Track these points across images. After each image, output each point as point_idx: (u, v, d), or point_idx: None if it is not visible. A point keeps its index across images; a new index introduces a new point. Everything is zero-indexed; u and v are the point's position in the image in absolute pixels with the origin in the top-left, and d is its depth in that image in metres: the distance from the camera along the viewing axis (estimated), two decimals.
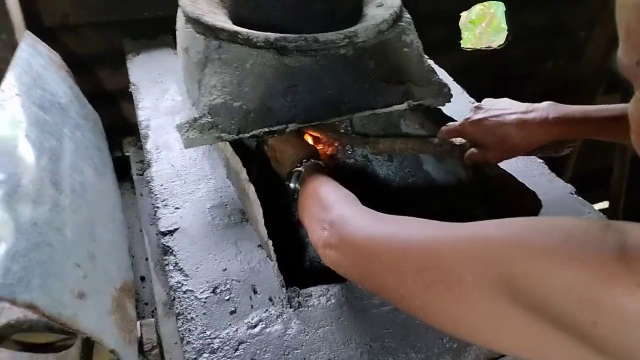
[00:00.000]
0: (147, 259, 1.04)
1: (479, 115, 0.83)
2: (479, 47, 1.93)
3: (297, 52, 0.91)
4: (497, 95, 2.04)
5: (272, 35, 0.90)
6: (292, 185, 0.82)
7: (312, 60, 0.92)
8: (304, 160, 0.84)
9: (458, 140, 0.90)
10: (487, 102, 0.86)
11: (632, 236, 0.36)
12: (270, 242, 0.73)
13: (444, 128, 0.91)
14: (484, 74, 1.95)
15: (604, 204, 2.32)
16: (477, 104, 0.87)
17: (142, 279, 1.03)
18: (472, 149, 0.85)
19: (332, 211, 0.65)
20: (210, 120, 0.88)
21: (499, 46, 1.92)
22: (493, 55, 1.93)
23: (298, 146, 0.90)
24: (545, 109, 0.77)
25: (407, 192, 1.10)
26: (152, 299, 0.98)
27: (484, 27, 2.74)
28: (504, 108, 0.81)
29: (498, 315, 0.41)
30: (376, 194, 1.10)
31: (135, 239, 1.10)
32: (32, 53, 1.08)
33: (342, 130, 1.17)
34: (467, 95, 1.19)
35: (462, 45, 1.87)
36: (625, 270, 0.34)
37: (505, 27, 1.93)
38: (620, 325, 0.34)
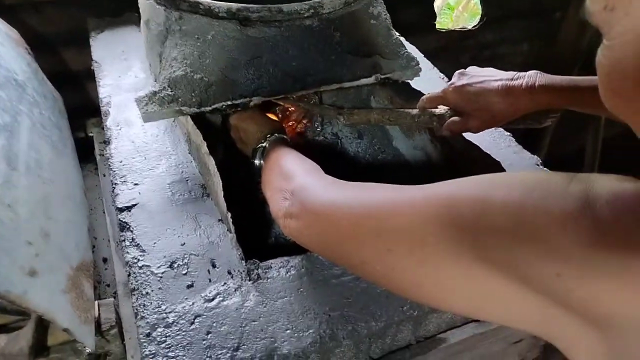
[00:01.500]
0: (109, 241, 1.01)
1: (463, 81, 0.80)
2: (454, 29, 1.92)
3: (260, 22, 0.88)
4: None
5: (234, 6, 0.87)
6: (256, 162, 0.80)
7: (276, 32, 0.89)
8: (268, 136, 0.81)
9: (437, 111, 0.87)
10: (471, 69, 0.83)
11: (596, 186, 0.34)
12: (229, 215, 0.71)
13: (425, 96, 0.87)
14: (459, 55, 1.94)
15: None
16: (460, 70, 0.83)
17: (105, 260, 1.00)
18: (453, 118, 0.82)
19: (294, 180, 0.62)
20: (170, 93, 0.86)
21: (473, 27, 1.91)
22: (468, 37, 1.92)
23: (262, 123, 0.87)
24: (531, 76, 0.74)
25: (377, 169, 1.09)
26: (114, 281, 0.95)
27: (460, 10, 2.73)
28: (489, 75, 0.78)
29: (462, 275, 0.39)
30: (346, 171, 1.08)
31: (98, 220, 1.07)
32: None
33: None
34: (438, 71, 1.18)
35: (437, 27, 1.85)
36: (590, 220, 0.33)
37: (481, 9, 1.92)
38: (585, 276, 0.32)
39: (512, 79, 0.74)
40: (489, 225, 0.37)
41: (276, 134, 0.82)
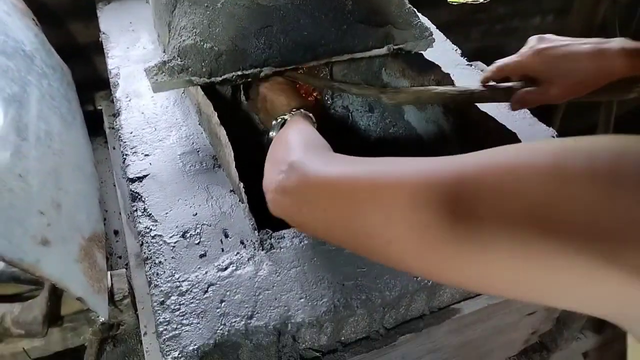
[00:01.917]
0: (120, 213, 1.01)
1: (545, 44, 0.71)
2: (466, 2, 1.88)
3: None
4: (484, 51, 2.01)
5: None
6: (271, 134, 0.77)
7: (287, 0, 0.87)
8: (293, 110, 0.77)
9: (505, 84, 0.78)
10: (549, 35, 0.74)
11: None
12: (241, 185, 0.71)
13: (493, 66, 0.78)
14: (470, 29, 1.90)
15: None
16: (538, 35, 0.74)
17: (116, 232, 1.00)
18: (527, 88, 0.73)
19: (295, 153, 0.55)
20: (180, 63, 0.84)
21: (485, 1, 1.87)
22: (480, 11, 1.88)
23: (291, 96, 0.83)
24: (619, 41, 0.67)
25: (389, 143, 1.07)
26: (126, 253, 0.95)
27: None
28: (572, 39, 0.71)
29: (536, 260, 0.32)
30: (357, 145, 1.07)
31: (108, 193, 1.07)
32: None
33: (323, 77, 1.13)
34: (450, 43, 1.16)
35: (449, 0, 1.82)
36: None
37: None
38: None
39: (600, 42, 0.67)
40: (567, 198, 0.31)
41: (302, 110, 0.78)
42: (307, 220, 0.51)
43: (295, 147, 0.59)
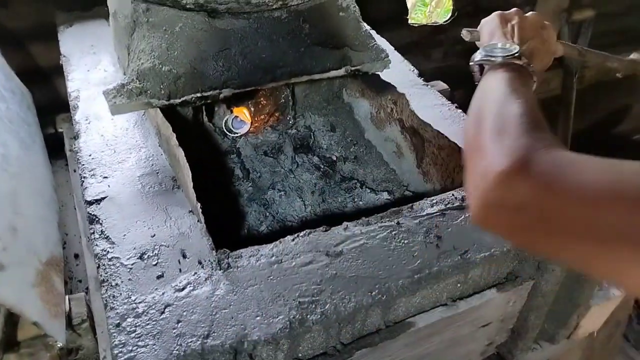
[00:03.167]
0: (81, 236, 1.00)
1: None
2: (426, 24, 1.94)
3: (228, 14, 0.88)
4: (445, 71, 2.06)
5: None
6: (476, 59, 0.64)
7: (245, 23, 0.89)
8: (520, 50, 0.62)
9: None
10: None
11: None
12: (199, 205, 0.71)
13: None
14: (431, 50, 1.96)
15: None
16: None
17: (76, 256, 0.99)
18: None
19: (523, 141, 0.46)
20: (138, 85, 0.85)
21: (445, 22, 1.93)
22: (440, 32, 1.94)
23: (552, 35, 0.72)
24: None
25: (349, 161, 1.10)
26: (86, 276, 0.94)
27: (432, 6, 2.76)
28: None
29: None
30: (319, 163, 1.09)
31: (69, 216, 1.06)
32: None
33: (283, 100, 1.15)
34: (408, 63, 1.19)
35: (410, 22, 1.87)
36: None
37: (452, 3, 1.94)
38: None
39: None
40: None
41: (524, 57, 0.63)
42: (545, 242, 0.43)
43: (519, 126, 0.48)
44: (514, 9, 0.72)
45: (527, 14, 0.71)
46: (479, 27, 0.76)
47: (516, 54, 0.61)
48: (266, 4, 0.89)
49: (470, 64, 0.67)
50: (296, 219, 0.99)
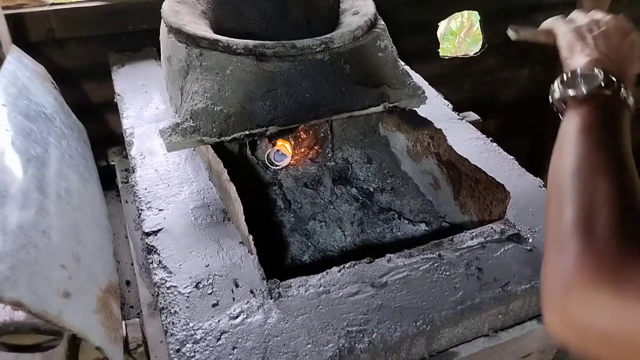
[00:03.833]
0: (132, 264, 1.06)
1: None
2: (456, 56, 1.98)
3: (275, 57, 0.95)
4: (475, 101, 2.10)
5: (251, 42, 0.94)
6: (557, 93, 0.54)
7: (290, 66, 0.95)
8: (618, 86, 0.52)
9: None
10: None
11: None
12: (250, 237, 0.76)
13: None
14: (462, 81, 2.00)
15: None
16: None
17: (128, 283, 1.05)
18: None
19: (612, 238, 0.38)
20: (192, 124, 0.92)
21: (475, 54, 1.98)
22: (470, 64, 1.98)
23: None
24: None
25: (386, 192, 1.13)
26: (137, 302, 0.99)
27: (461, 37, 2.82)
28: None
29: None
30: (357, 194, 1.13)
31: (120, 245, 1.12)
32: (18, 66, 1.11)
33: (322, 135, 1.20)
34: (442, 98, 1.24)
35: (440, 54, 1.92)
36: None
37: (482, 35, 1.99)
38: None
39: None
40: None
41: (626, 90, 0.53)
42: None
43: (610, 217, 0.39)
44: (591, 12, 0.64)
45: (607, 19, 0.62)
46: (544, 27, 0.69)
47: (603, 84, 0.51)
48: (310, 48, 0.95)
49: (550, 101, 0.56)
50: (336, 249, 1.03)
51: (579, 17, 0.65)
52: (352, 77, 0.99)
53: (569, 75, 0.54)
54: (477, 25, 2.13)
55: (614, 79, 0.52)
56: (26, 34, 1.33)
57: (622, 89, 0.52)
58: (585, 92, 0.51)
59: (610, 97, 0.51)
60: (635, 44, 0.61)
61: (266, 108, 0.94)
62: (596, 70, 0.53)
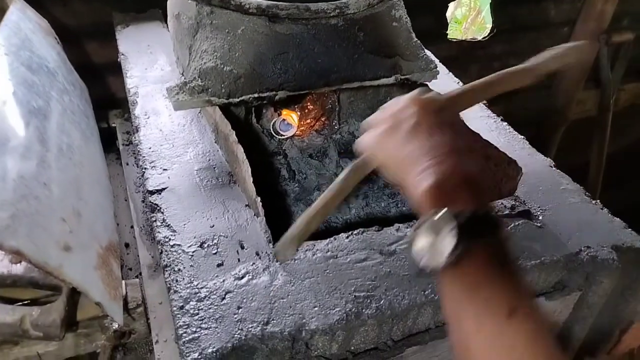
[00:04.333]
0: (132, 227, 1.04)
1: None
2: (464, 39, 1.96)
3: (288, 19, 0.92)
4: None
5: (264, 2, 0.91)
6: (422, 257, 0.45)
7: (303, 29, 0.93)
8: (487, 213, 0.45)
9: None
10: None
11: None
12: (258, 199, 0.74)
13: None
14: (469, 65, 1.98)
15: None
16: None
17: (127, 245, 1.03)
18: None
19: None
20: (200, 83, 0.89)
21: (483, 38, 1.95)
22: (478, 48, 1.96)
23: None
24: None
25: None
26: (136, 265, 0.98)
27: (468, 23, 2.79)
28: None
29: None
30: None
31: (120, 207, 1.10)
32: (21, 17, 1.08)
33: (329, 106, 1.18)
34: (453, 76, 1.22)
35: (448, 37, 1.90)
36: None
37: (491, 20, 1.96)
38: None
39: None
40: None
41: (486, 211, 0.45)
42: None
43: None
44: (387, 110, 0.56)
45: (412, 108, 0.52)
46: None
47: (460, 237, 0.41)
48: (324, 12, 0.92)
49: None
50: (340, 220, 1.01)
51: (373, 121, 0.57)
52: (365, 45, 0.97)
53: (412, 239, 0.45)
54: (486, 9, 2.11)
55: (467, 210, 0.43)
56: None
57: (479, 210, 0.43)
58: (446, 261, 0.42)
59: (478, 238, 0.42)
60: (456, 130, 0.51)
61: (277, 71, 0.92)
62: (440, 217, 0.43)
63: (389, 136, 0.52)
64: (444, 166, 0.46)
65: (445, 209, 0.43)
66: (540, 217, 0.82)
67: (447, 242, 0.42)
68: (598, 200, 0.88)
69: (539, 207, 0.84)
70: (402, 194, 0.50)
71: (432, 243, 0.43)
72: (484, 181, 0.49)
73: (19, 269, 0.81)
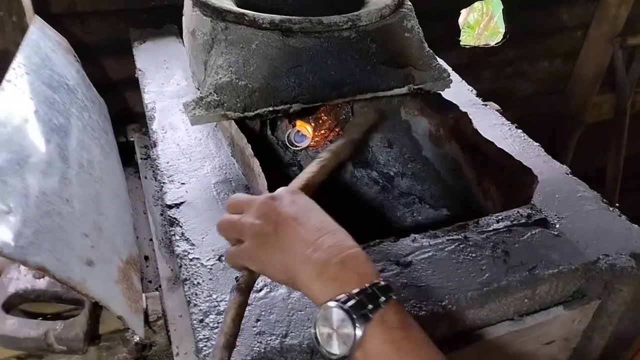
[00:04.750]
0: (151, 240, 1.06)
1: None
2: (477, 45, 1.96)
3: (301, 33, 0.93)
4: (495, 92, 2.08)
5: (277, 17, 0.93)
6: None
7: (316, 42, 0.94)
8: (375, 283, 0.48)
9: None
10: None
11: None
12: None
13: None
14: (481, 71, 1.98)
15: None
16: None
17: (146, 258, 1.04)
18: None
19: None
20: (216, 98, 0.91)
21: (496, 44, 1.95)
22: (491, 54, 1.96)
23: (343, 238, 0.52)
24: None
25: (407, 177, 1.12)
26: (155, 277, 0.99)
27: (481, 28, 2.79)
28: None
29: None
30: (377, 178, 1.12)
31: (139, 220, 1.12)
32: (41, 36, 1.11)
33: (343, 117, 1.19)
34: (466, 84, 1.22)
35: (460, 43, 1.90)
36: None
37: (503, 26, 1.96)
38: None
39: None
40: None
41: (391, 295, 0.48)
42: None
43: None
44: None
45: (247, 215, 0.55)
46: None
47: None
48: (337, 25, 0.94)
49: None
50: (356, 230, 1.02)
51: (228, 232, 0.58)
52: (377, 57, 0.98)
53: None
54: (499, 15, 2.10)
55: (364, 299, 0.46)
56: (48, 5, 1.32)
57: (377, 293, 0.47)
58: (348, 351, 0.45)
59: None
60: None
61: (290, 84, 0.93)
62: (330, 307, 0.45)
63: (257, 246, 0.53)
64: (318, 254, 0.48)
65: (331, 300, 0.46)
66: (557, 226, 0.81)
67: (345, 331, 0.44)
68: (616, 207, 0.88)
69: (555, 215, 0.84)
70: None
71: (331, 335, 0.46)
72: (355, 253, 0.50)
73: (42, 283, 0.83)
